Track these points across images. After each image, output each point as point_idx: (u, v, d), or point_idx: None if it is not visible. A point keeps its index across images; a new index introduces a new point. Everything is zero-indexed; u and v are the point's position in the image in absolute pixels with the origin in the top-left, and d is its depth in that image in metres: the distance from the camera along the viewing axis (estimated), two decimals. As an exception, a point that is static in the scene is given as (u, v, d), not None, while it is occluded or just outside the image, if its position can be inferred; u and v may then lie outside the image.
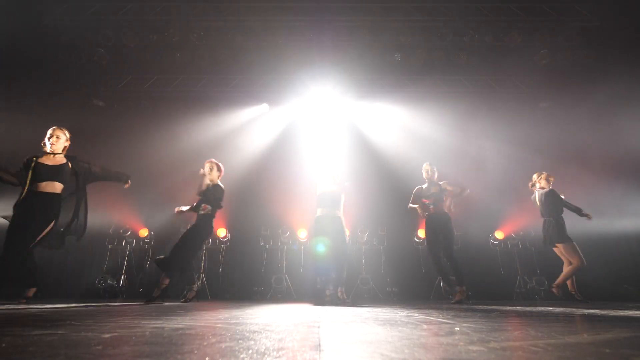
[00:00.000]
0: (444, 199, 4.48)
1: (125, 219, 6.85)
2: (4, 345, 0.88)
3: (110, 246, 6.75)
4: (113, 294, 6.24)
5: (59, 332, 1.16)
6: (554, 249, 4.54)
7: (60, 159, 3.44)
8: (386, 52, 6.70)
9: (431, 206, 4.38)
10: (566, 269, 4.39)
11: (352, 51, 6.71)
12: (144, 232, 6.81)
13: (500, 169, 7.04)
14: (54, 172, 3.32)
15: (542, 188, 4.64)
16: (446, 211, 4.46)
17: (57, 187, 3.32)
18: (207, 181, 4.16)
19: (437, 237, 4.41)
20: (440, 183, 4.53)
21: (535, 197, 4.71)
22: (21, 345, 0.89)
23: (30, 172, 3.23)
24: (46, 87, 6.64)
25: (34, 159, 3.30)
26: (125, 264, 6.62)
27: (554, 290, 4.36)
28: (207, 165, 4.25)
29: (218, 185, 4.20)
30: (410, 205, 4.67)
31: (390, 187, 7.20)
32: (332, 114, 7.77)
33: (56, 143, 3.40)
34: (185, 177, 6.57)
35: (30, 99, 6.30)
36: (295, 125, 7.95)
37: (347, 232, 6.33)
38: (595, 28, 6.25)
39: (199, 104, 7.66)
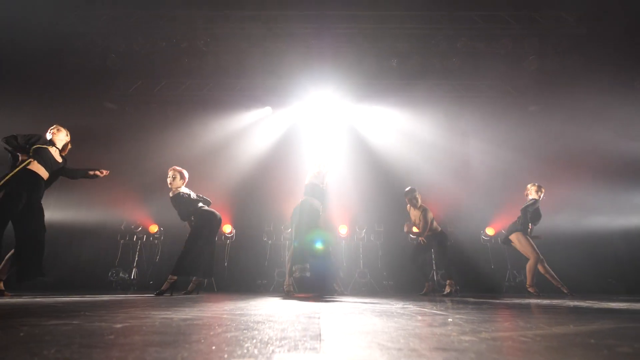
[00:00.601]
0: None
1: (136, 216, 6.86)
2: (22, 334, 0.88)
3: (122, 241, 6.76)
4: (125, 286, 6.25)
5: (74, 322, 1.17)
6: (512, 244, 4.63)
7: (60, 159, 3.43)
8: (383, 58, 6.69)
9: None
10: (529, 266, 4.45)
11: (351, 57, 6.70)
12: (153, 228, 6.82)
13: (491, 169, 7.04)
14: (52, 164, 3.32)
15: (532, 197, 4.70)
16: (439, 230, 4.76)
17: (45, 175, 3.29)
18: (174, 189, 3.99)
19: (428, 252, 4.93)
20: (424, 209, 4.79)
21: None
22: (38, 334, 0.89)
23: (33, 150, 3.19)
24: (61, 91, 6.64)
25: (44, 145, 3.28)
26: (137, 258, 6.62)
27: (531, 290, 4.33)
28: (170, 174, 4.03)
29: (178, 194, 3.97)
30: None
31: (387, 186, 7.20)
32: (332, 116, 7.77)
33: (57, 133, 3.40)
34: (192, 176, 6.57)
35: (46, 102, 6.29)
36: (297, 127, 7.95)
37: (341, 228, 6.32)
38: (582, 35, 6.24)
39: (205, 107, 7.66)
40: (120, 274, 6.32)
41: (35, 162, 3.17)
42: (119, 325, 1.09)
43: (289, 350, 0.73)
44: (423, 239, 4.68)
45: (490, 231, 6.75)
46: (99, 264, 6.63)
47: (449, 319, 1.39)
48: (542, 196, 4.63)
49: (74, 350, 0.68)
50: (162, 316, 1.41)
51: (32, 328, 1.00)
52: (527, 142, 7.20)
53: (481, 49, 6.43)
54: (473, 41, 6.36)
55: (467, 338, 0.90)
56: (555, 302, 2.82)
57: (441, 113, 7.55)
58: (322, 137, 7.77)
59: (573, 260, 5.88)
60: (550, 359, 0.66)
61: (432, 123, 7.55)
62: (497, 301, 2.95)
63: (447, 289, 4.42)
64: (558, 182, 6.44)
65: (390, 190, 7.13)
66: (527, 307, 2.23)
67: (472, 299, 3.26)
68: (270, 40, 6.45)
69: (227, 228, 6.73)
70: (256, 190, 7.36)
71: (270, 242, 6.94)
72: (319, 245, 3.85)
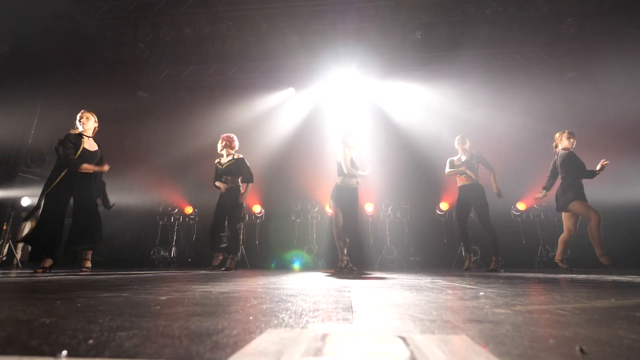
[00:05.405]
0: (476, 167, 4.30)
1: (172, 198, 7.18)
2: (79, 305, 0.95)
3: (161, 222, 7.14)
4: (166, 263, 6.65)
5: (124, 294, 1.25)
6: (565, 212, 3.95)
7: (94, 146, 3.51)
8: (407, 30, 6.36)
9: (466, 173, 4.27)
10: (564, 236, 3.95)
11: (374, 32, 6.43)
12: (189, 210, 7.12)
13: (524, 141, 6.65)
14: (90, 156, 3.42)
15: (565, 149, 4.03)
16: (479, 182, 4.28)
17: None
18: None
19: (468, 207, 4.30)
20: (473, 152, 4.35)
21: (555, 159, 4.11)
22: (93, 305, 0.96)
23: (79, 154, 3.34)
24: (96, 82, 6.89)
25: (78, 141, 3.39)
26: (175, 238, 6.99)
27: (605, 260, 3.66)
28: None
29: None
30: (449, 171, 4.46)
31: (413, 163, 7.03)
32: (356, 94, 7.58)
33: (86, 122, 3.45)
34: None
35: (82, 93, 6.57)
36: (321, 106, 7.85)
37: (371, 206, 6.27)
38: (629, -10, 5.60)
39: (231, 91, 7.72)
40: (162, 252, 6.71)
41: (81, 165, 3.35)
42: (163, 298, 1.16)
43: (322, 321, 0.74)
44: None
45: (521, 206, 6.48)
46: (141, 244, 7.07)
47: (480, 293, 1.36)
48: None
49: (125, 319, 0.73)
50: (202, 290, 1.48)
51: (88, 300, 1.08)
52: (563, 111, 6.69)
53: (512, 14, 5.95)
54: (504, 6, 5.88)
55: (501, 311, 0.88)
56: (592, 277, 2.69)
57: (469, 85, 7.14)
58: (347, 116, 7.64)
59: (613, 233, 5.56)
60: (593, 332, 0.63)
61: (459, 96, 7.19)
62: (529, 275, 2.85)
63: (493, 265, 4.05)
64: (599, 153, 5.99)
65: (417, 167, 6.96)
66: (562, 281, 2.15)
67: (502, 274, 3.18)
68: (292, 19, 6.30)
69: (256, 208, 6.91)
70: (283, 171, 7.44)
71: (298, 220, 7.07)
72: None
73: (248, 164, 4.28)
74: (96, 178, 3.57)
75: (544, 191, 4.17)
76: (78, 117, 3.46)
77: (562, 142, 4.05)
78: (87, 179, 3.39)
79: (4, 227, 6.16)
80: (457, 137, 4.46)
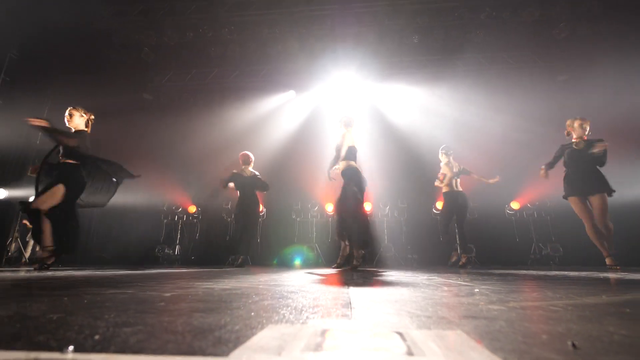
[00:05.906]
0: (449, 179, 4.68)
1: (176, 197, 7.17)
2: (85, 301, 0.95)
3: (165, 221, 7.13)
4: (170, 261, 6.64)
5: (129, 291, 1.25)
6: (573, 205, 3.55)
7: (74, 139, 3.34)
8: (404, 35, 6.37)
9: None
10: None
11: (372, 36, 6.43)
12: (192, 209, 7.11)
13: (517, 143, 6.66)
14: (72, 150, 3.29)
15: (579, 137, 3.67)
16: (461, 190, 4.64)
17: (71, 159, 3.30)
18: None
19: (452, 212, 4.65)
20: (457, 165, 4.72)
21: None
22: (99, 301, 0.96)
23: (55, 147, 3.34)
24: (102, 84, 6.87)
25: None
26: (179, 236, 6.98)
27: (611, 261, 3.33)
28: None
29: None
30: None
31: (410, 163, 7.04)
32: (355, 96, 7.58)
33: (71, 120, 3.39)
34: (223, 159, 6.74)
35: (88, 95, 6.54)
36: (320, 108, 7.85)
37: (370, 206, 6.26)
38: (620, -4, 5.61)
39: (233, 94, 7.71)
40: (166, 250, 6.70)
41: (64, 155, 3.28)
42: (167, 294, 1.16)
43: (322, 317, 0.74)
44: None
45: (515, 205, 6.48)
46: (146, 242, 7.06)
47: (475, 290, 1.36)
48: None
49: (130, 315, 0.73)
50: (205, 286, 1.48)
51: (94, 296, 1.08)
52: (555, 113, 6.69)
53: (506, 19, 5.95)
54: (498, 10, 5.89)
55: (495, 307, 0.88)
56: (583, 274, 2.69)
57: (464, 87, 7.15)
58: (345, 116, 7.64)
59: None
60: (585, 328, 0.63)
61: (454, 98, 7.19)
62: (523, 273, 2.86)
63: (462, 261, 4.37)
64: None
65: (414, 167, 6.97)
66: (554, 278, 2.15)
67: (496, 271, 3.18)
68: (292, 24, 6.29)
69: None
70: (283, 171, 7.44)
71: (298, 219, 7.07)
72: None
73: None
74: (102, 167, 3.48)
75: (545, 169, 3.85)
76: (65, 116, 3.41)
77: (576, 130, 3.68)
78: (66, 171, 3.24)
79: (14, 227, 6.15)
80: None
